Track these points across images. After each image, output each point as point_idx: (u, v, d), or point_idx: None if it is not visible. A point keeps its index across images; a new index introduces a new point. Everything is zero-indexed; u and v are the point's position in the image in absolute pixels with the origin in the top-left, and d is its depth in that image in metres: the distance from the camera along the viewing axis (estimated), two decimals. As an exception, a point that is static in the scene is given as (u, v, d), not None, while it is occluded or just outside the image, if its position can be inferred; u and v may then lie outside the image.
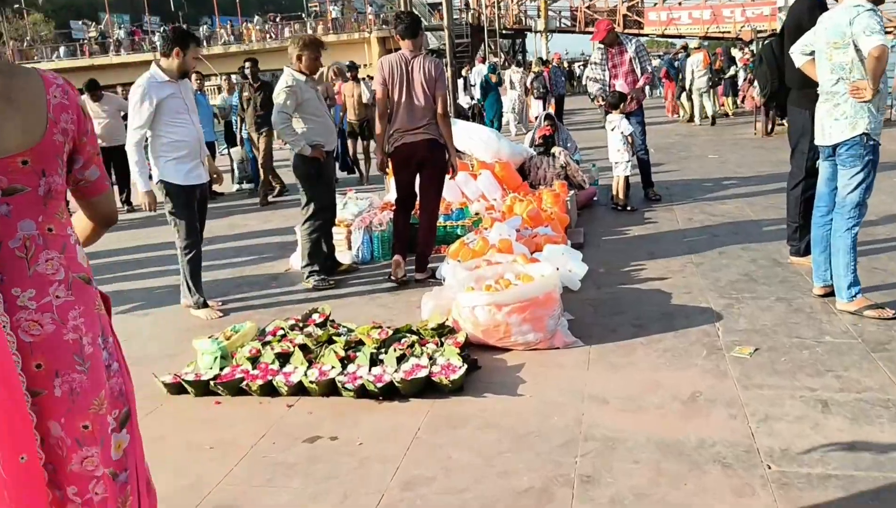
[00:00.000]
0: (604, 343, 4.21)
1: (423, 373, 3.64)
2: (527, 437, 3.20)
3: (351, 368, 3.82)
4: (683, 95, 17.69)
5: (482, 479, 2.90)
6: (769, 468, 2.87)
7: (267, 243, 7.60)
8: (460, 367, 3.71)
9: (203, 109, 10.50)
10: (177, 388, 3.89)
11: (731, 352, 3.97)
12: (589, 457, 3.01)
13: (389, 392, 3.64)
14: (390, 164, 5.61)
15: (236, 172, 11.34)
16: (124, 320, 5.35)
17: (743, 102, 18.58)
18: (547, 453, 3.06)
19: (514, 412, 3.44)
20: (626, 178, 8.00)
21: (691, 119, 17.13)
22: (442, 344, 4.12)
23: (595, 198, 8.50)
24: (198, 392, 3.85)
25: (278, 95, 5.46)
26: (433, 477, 2.94)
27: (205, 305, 5.29)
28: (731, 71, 19.77)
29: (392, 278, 5.65)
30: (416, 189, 5.72)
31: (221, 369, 4.01)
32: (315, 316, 4.63)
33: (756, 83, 14.18)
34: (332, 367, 3.85)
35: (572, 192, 7.62)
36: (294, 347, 4.13)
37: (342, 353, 4.03)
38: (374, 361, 3.91)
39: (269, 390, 3.77)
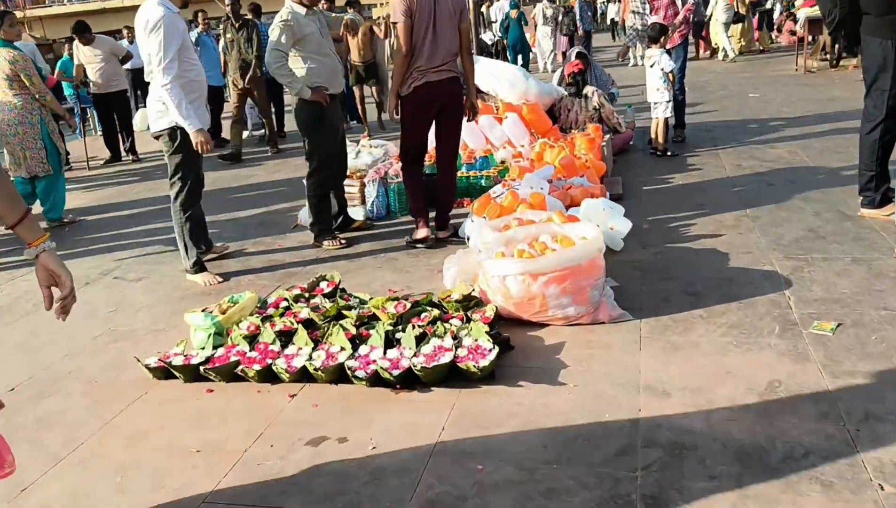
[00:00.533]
0: (656, 317, 3.61)
1: (446, 358, 3.07)
2: (575, 442, 2.64)
3: (363, 349, 3.27)
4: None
5: (525, 502, 2.35)
6: (881, 488, 2.30)
7: (274, 195, 7.02)
8: (490, 350, 3.14)
9: (209, 52, 9.81)
10: (164, 373, 3.37)
11: (809, 328, 3.36)
12: (652, 471, 2.45)
13: (408, 380, 3.09)
14: (402, 108, 4.90)
15: (247, 118, 10.62)
16: (113, 286, 4.83)
17: (779, 35, 17.45)
18: (601, 464, 2.51)
19: (558, 407, 2.88)
20: (667, 120, 7.27)
21: (713, 54, 16.12)
22: (468, 319, 3.55)
23: (631, 142, 7.78)
24: (187, 378, 3.33)
25: (272, 31, 4.79)
26: (462, 497, 2.40)
27: (202, 268, 4.75)
28: (768, 3, 18.55)
29: (414, 241, 5.04)
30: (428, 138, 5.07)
31: (215, 348, 3.49)
32: (323, 284, 4.07)
33: (801, 13, 13.19)
34: (342, 349, 3.30)
35: (608, 136, 6.92)
36: (298, 323, 3.58)
37: (353, 331, 3.48)
38: (390, 340, 3.36)
39: (269, 375, 3.24)
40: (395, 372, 3.06)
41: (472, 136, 6.82)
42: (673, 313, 3.64)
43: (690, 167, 6.76)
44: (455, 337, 3.34)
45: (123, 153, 9.90)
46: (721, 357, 3.17)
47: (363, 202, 5.92)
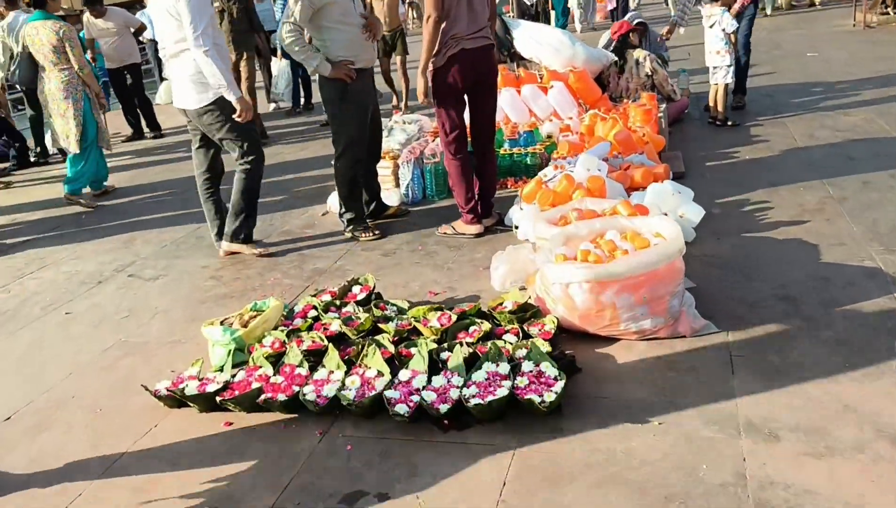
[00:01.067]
0: (745, 329, 3.08)
1: (504, 391, 2.58)
2: (669, 506, 2.15)
3: (403, 374, 2.79)
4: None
5: None
6: None
7: (301, 178, 6.53)
8: (556, 379, 2.65)
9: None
10: (177, 400, 2.93)
11: (936, 345, 2.80)
12: (774, 551, 1.95)
13: (457, 412, 2.61)
14: (436, 84, 4.34)
15: (276, 87, 9.97)
16: (128, 285, 4.41)
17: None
18: (706, 541, 2.01)
19: (643, 455, 2.37)
20: (727, 86, 6.60)
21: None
22: (525, 335, 3.06)
23: (686, 111, 7.13)
24: (202, 408, 2.89)
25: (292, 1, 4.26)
26: (534, 585, 1.93)
27: (251, 240, 4.66)
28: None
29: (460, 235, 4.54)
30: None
31: (235, 367, 3.04)
32: (356, 289, 3.59)
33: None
34: (378, 373, 2.83)
35: (664, 105, 6.29)
36: (328, 339, 3.12)
37: (391, 348, 3.01)
38: (435, 362, 2.88)
39: (295, 405, 2.78)
40: (443, 407, 2.58)
41: (515, 108, 6.24)
42: (765, 324, 3.10)
43: (755, 139, 6.12)
44: (511, 359, 2.85)
45: (146, 129, 9.47)
46: (834, 385, 2.63)
47: (397, 185, 5.42)
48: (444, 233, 4.58)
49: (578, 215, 3.62)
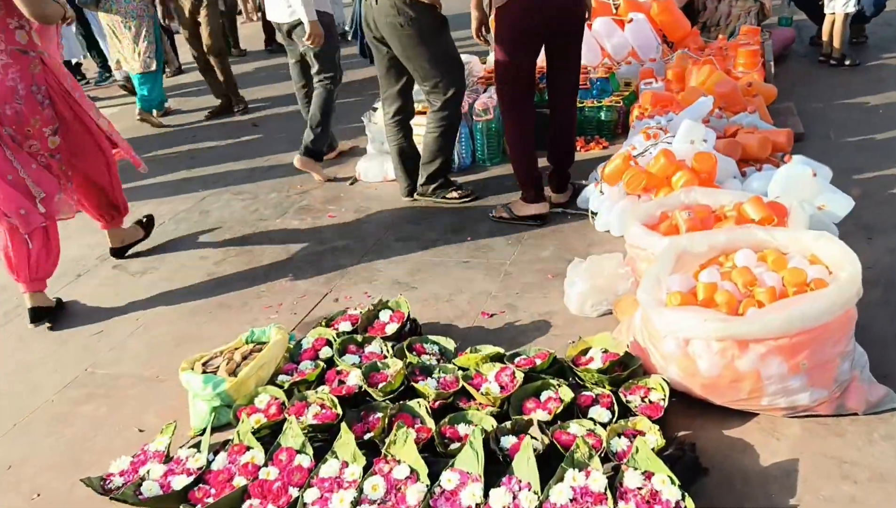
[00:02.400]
0: (945, 399, 2.10)
1: (602, 530, 1.68)
2: None
3: (447, 480, 1.90)
4: None
5: None
6: None
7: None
8: (678, 502, 1.74)
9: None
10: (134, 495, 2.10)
11: None
12: None
13: (528, 551, 1.74)
14: (499, 26, 3.34)
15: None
16: (110, 282, 3.57)
17: None
18: None
19: None
20: (847, 16, 5.34)
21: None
22: (620, 405, 2.13)
23: (791, 45, 5.89)
24: (168, 505, 2.06)
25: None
26: None
27: (320, 157, 4.56)
28: None
29: (518, 218, 3.59)
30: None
31: (213, 452, 2.20)
32: (384, 315, 2.69)
33: None
34: (411, 473, 1.96)
35: (768, 39, 5.10)
36: (344, 400, 2.26)
37: (430, 424, 2.13)
38: (492, 452, 1.99)
39: (293, 516, 1.94)
40: (509, 552, 1.70)
41: (584, 47, 5.11)
42: (972, 395, 2.12)
43: (883, 82, 4.93)
44: (605, 458, 1.94)
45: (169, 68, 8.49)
46: None
47: (441, 148, 4.43)
48: (500, 217, 3.63)
49: (689, 219, 2.62)
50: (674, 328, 2.10)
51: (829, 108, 4.60)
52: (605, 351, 2.32)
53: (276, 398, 2.31)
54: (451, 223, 3.70)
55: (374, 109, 4.71)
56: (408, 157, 3.99)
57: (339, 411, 2.22)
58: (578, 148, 4.38)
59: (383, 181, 4.36)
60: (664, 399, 2.12)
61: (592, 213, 3.45)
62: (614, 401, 2.15)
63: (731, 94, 4.08)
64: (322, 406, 2.26)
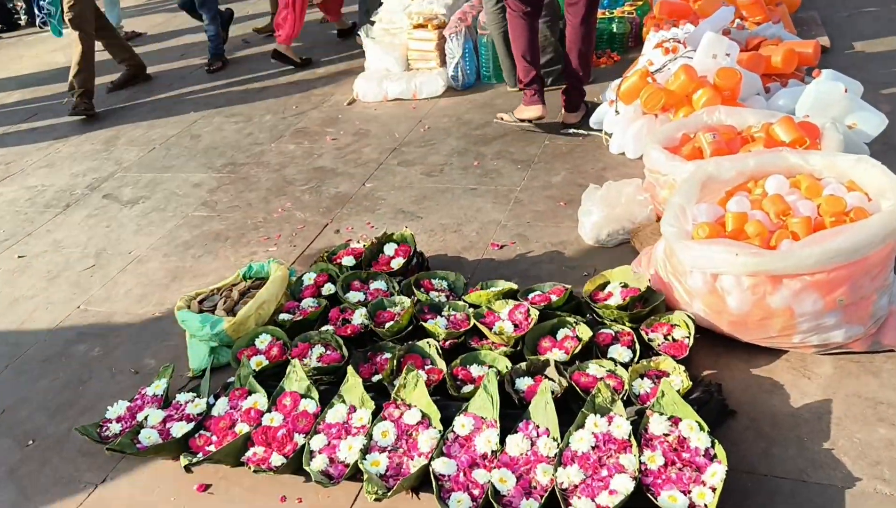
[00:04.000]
0: None
1: (625, 483, 1.58)
2: None
3: (461, 426, 1.80)
4: None
5: None
6: None
7: (323, 46, 5.27)
8: (712, 459, 1.64)
9: None
10: (131, 443, 2.00)
11: None
12: None
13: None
14: None
15: None
16: (101, 212, 3.42)
17: None
18: None
19: None
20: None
21: None
22: (643, 344, 2.02)
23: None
24: (168, 455, 1.97)
25: None
26: None
27: None
28: None
29: (518, 120, 3.43)
30: None
31: (214, 394, 2.10)
32: (389, 249, 2.55)
33: None
34: (423, 418, 1.86)
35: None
36: (349, 339, 2.14)
37: (441, 365, 2.02)
38: (508, 396, 1.88)
39: (299, 465, 1.84)
40: (529, 504, 1.61)
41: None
42: None
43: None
44: (627, 401, 1.84)
45: None
46: None
47: (443, 64, 4.19)
48: (501, 119, 3.51)
49: (714, 141, 2.44)
50: (701, 263, 1.95)
51: (857, 17, 4.32)
52: (625, 286, 2.18)
53: (278, 339, 2.20)
54: (456, 147, 3.51)
55: (372, 23, 4.44)
56: None
57: (345, 352, 2.11)
58: (595, 62, 4.14)
59: (383, 101, 4.15)
60: (689, 338, 2.00)
61: (607, 134, 3.26)
62: (635, 339, 2.03)
63: (753, 2, 3.80)
64: (326, 347, 2.14)
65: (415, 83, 4.10)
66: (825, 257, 1.83)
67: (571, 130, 3.45)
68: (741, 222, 2.05)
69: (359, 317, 2.23)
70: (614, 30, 4.23)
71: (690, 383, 1.85)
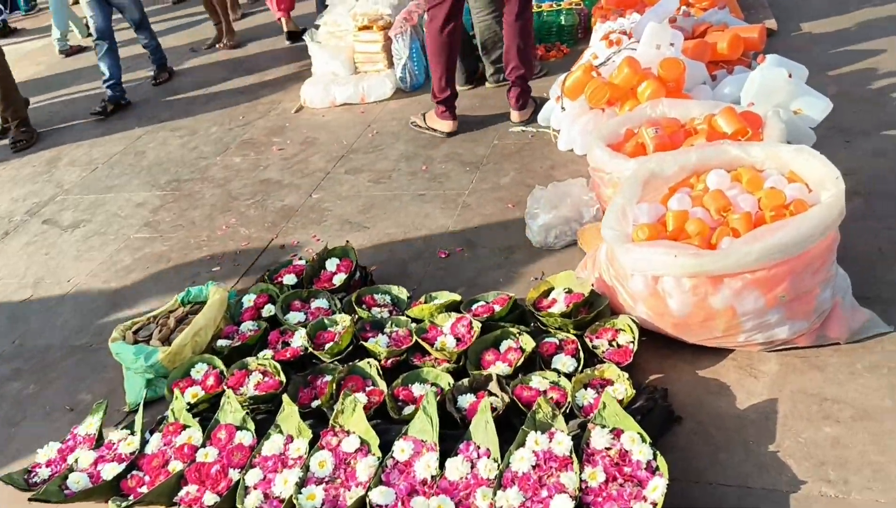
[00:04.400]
0: (936, 322, 1.96)
1: (565, 504, 1.53)
2: None
3: (400, 450, 1.74)
4: None
5: None
6: None
7: (270, 54, 5.17)
8: (651, 469, 1.59)
9: None
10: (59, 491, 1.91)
11: None
12: None
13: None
14: None
15: None
16: (40, 239, 3.30)
17: None
18: None
19: None
20: None
21: None
22: (587, 352, 1.97)
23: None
24: (98, 497, 1.89)
25: None
26: None
27: None
28: None
29: (428, 128, 3.44)
30: None
31: (150, 429, 2.02)
32: (331, 264, 2.47)
33: None
34: (361, 445, 1.79)
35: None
36: (289, 364, 2.07)
37: (382, 386, 1.95)
38: (450, 416, 1.83)
39: (233, 503, 1.77)
40: (468, 526, 1.56)
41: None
42: (969, 313, 1.97)
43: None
44: (570, 413, 1.79)
45: None
46: None
47: (390, 66, 4.11)
48: (414, 124, 3.55)
49: (657, 136, 2.39)
50: (641, 266, 1.91)
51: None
52: (569, 291, 2.13)
53: (215, 368, 2.12)
54: (405, 151, 3.44)
55: (317, 27, 4.35)
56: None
57: (283, 378, 2.03)
58: (538, 56, 4.09)
59: (331, 107, 4.06)
60: (633, 342, 1.95)
61: (555, 131, 3.20)
62: (579, 347, 1.98)
63: (700, -13, 3.76)
64: (264, 374, 2.07)
65: (362, 86, 4.01)
66: (765, 254, 1.79)
67: (520, 128, 3.40)
68: (682, 220, 2.00)
69: (299, 339, 2.16)
70: (563, 22, 4.18)
71: (634, 391, 1.80)
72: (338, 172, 3.37)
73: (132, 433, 1.99)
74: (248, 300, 2.38)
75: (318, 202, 3.15)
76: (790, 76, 2.82)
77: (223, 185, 3.46)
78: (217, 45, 5.47)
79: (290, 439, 1.86)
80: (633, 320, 2.00)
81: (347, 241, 2.58)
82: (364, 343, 2.09)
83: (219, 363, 2.13)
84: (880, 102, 3.09)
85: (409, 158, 3.37)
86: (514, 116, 3.43)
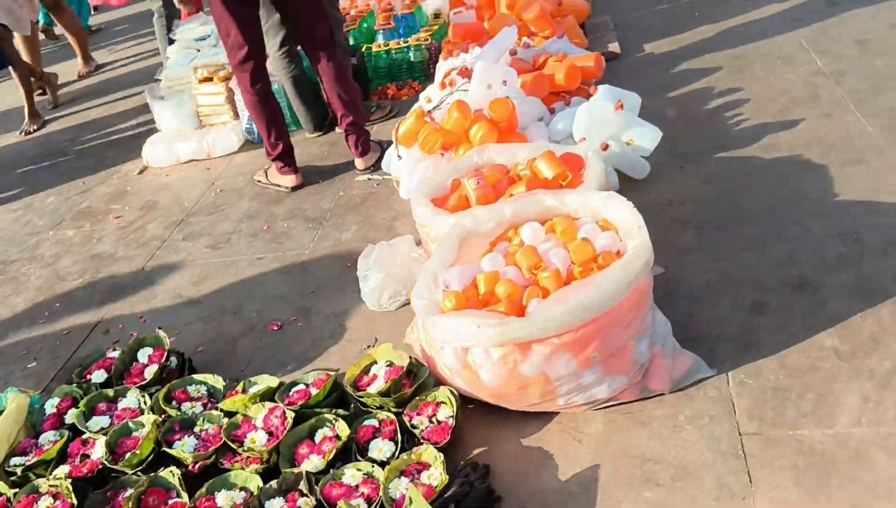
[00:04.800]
0: (753, 361, 1.92)
1: None
2: None
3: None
4: None
5: None
6: None
7: (113, 117, 4.90)
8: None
9: None
10: None
11: None
12: None
13: None
14: None
15: None
16: None
17: None
18: None
19: None
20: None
21: None
22: (407, 432, 1.85)
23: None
24: None
25: None
26: None
27: None
28: None
29: (271, 184, 3.36)
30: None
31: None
32: (143, 355, 2.28)
33: None
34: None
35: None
36: (74, 501, 1.86)
37: (185, 498, 1.78)
38: (257, 523, 1.67)
39: None
40: None
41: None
42: (782, 348, 1.95)
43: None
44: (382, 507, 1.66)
45: None
46: (931, 497, 1.54)
47: (236, 117, 3.94)
48: (259, 181, 3.43)
49: (479, 187, 2.31)
50: (449, 337, 1.81)
51: (648, 17, 4.36)
52: (390, 364, 2.01)
53: (2, 495, 1.90)
54: (248, 209, 3.28)
55: (158, 81, 4.13)
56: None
57: (74, 500, 1.83)
58: (390, 95, 4.00)
59: (176, 165, 3.85)
60: (453, 417, 1.85)
61: (396, 179, 3.10)
62: (398, 429, 1.86)
63: (543, 18, 3.74)
64: (56, 497, 1.86)
65: (207, 141, 3.82)
66: (570, 317, 1.71)
67: (367, 176, 3.28)
68: (493, 283, 1.92)
69: (99, 449, 1.96)
70: (412, 59, 4.10)
71: (448, 476, 1.69)
72: (175, 240, 3.16)
73: None
74: (51, 406, 2.16)
75: (150, 276, 2.94)
76: (621, 107, 2.80)
77: (52, 264, 3.20)
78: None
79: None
80: (451, 391, 1.89)
81: (159, 328, 2.39)
82: (167, 450, 1.91)
83: (5, 488, 1.90)
84: (715, 121, 3.12)
85: (251, 217, 3.21)
86: (358, 163, 3.31)
